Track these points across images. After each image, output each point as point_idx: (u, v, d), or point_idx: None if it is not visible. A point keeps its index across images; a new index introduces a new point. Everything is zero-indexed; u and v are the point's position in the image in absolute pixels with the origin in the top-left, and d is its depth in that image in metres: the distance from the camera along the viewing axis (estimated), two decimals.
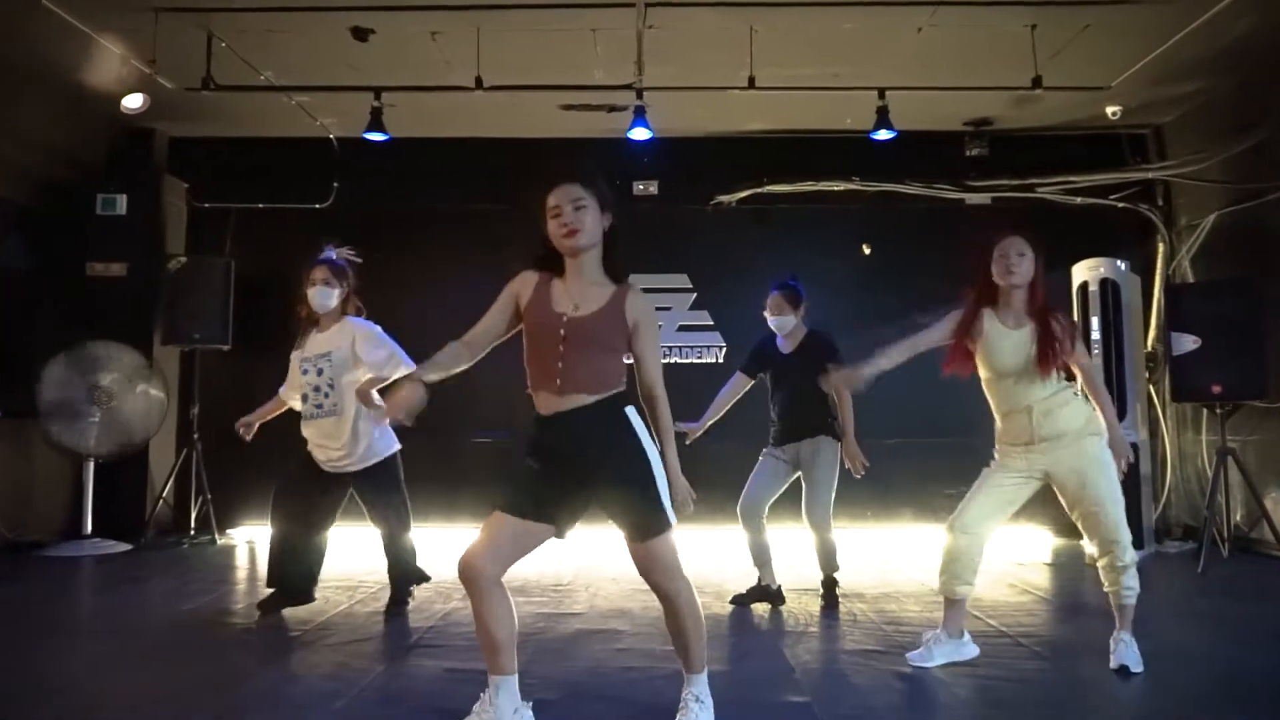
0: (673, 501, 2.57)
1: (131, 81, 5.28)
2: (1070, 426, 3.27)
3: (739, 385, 4.62)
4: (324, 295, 4.13)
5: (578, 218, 2.53)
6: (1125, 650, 3.27)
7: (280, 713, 2.86)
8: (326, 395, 4.11)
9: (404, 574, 4.32)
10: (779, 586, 4.52)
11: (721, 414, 4.59)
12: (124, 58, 5.24)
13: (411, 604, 4.32)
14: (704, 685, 2.64)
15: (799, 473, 4.47)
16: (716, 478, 6.37)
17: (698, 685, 2.63)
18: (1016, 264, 3.29)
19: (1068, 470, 3.27)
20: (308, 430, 4.17)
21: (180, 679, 3.20)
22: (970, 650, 3.43)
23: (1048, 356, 3.25)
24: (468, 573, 2.45)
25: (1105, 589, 3.34)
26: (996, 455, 3.43)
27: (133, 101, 5.27)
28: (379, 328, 4.22)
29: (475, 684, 3.11)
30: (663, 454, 2.60)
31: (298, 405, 4.25)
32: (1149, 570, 5.65)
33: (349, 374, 4.11)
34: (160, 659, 3.50)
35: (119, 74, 5.22)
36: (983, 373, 3.41)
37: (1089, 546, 3.46)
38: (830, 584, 4.47)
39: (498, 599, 2.48)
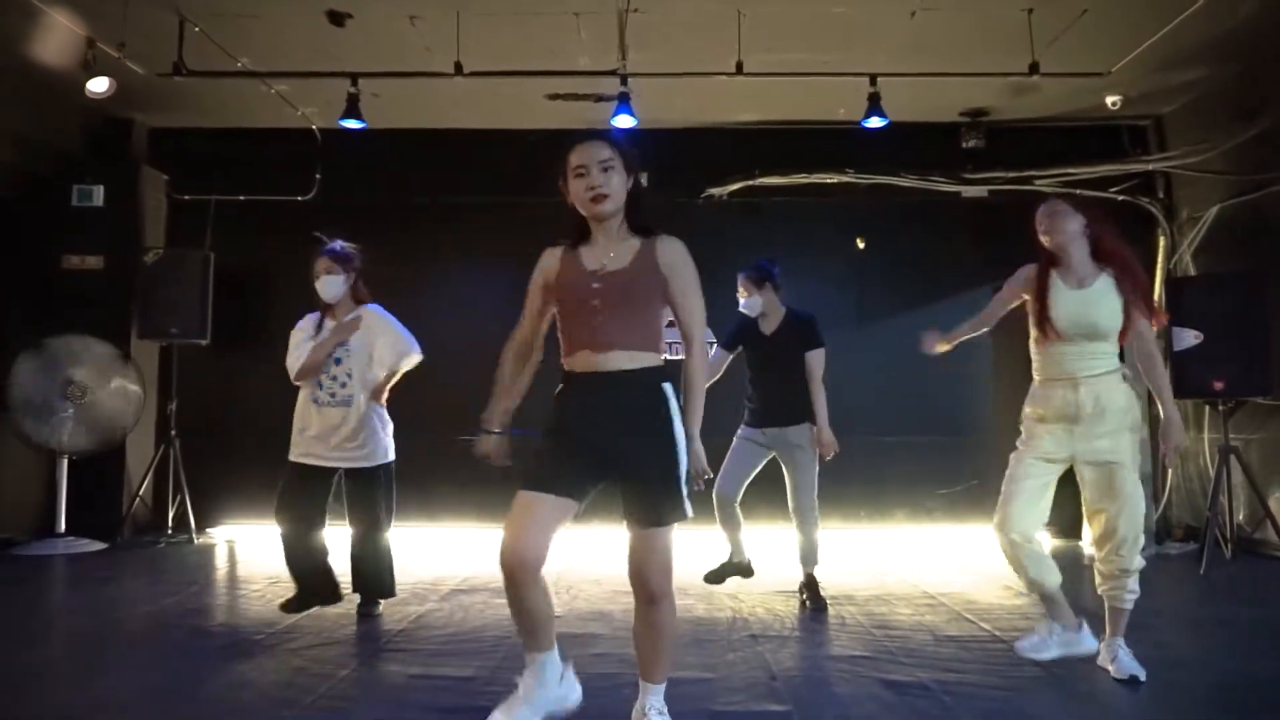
0: (687, 470, 2.44)
1: (98, 66, 5.11)
2: (1114, 410, 3.09)
3: (720, 362, 4.46)
4: (331, 285, 4.03)
5: (605, 179, 2.45)
6: (1126, 658, 3.12)
7: None
8: (343, 385, 3.98)
9: (379, 580, 4.09)
10: (749, 560, 4.51)
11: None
12: (90, 40, 5.08)
13: (380, 610, 4.15)
14: (662, 696, 2.51)
15: (772, 454, 4.39)
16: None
17: (658, 696, 2.49)
18: (1046, 224, 3.23)
19: (1100, 461, 3.10)
20: (310, 420, 3.95)
21: (126, 686, 3.05)
22: (1089, 645, 3.20)
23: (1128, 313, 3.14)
24: (514, 566, 2.32)
25: (1102, 591, 3.20)
26: (1024, 432, 3.24)
27: (98, 85, 5.10)
28: (392, 317, 4.16)
29: (441, 690, 3.00)
30: (686, 406, 2.48)
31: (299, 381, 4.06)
32: (1150, 572, 5.46)
33: (366, 365, 4.04)
34: (110, 665, 3.34)
35: (85, 57, 5.05)
36: (1034, 333, 3.25)
37: (1089, 546, 3.31)
38: (813, 582, 4.35)
39: (540, 587, 2.38)
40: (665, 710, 2.49)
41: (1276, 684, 3.11)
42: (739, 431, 4.46)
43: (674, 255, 2.52)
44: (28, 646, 3.63)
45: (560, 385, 2.55)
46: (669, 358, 7.51)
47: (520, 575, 2.32)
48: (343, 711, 2.81)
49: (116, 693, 2.98)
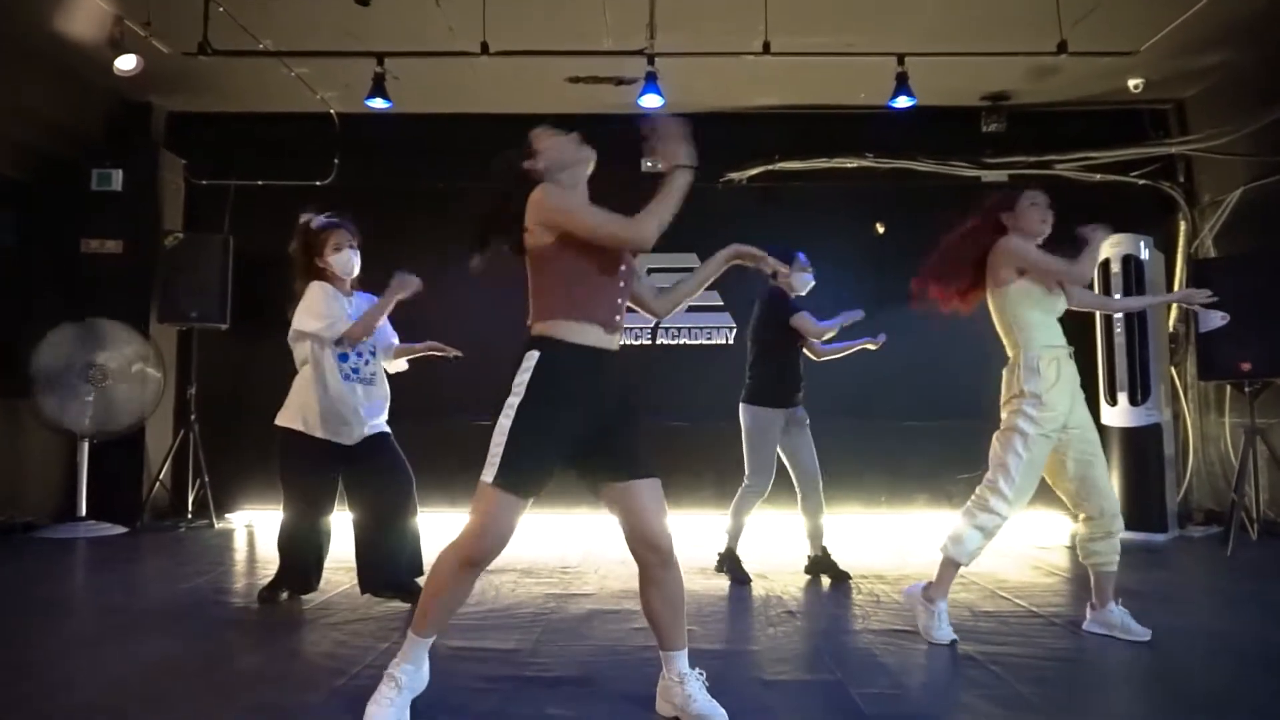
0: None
1: (125, 44, 5.08)
2: None
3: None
4: (357, 258, 3.96)
5: None
6: (1127, 618, 3.28)
7: (280, 693, 2.69)
8: (367, 362, 3.88)
9: (417, 558, 3.89)
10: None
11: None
12: (117, 18, 5.04)
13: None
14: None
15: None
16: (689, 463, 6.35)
17: (686, 658, 2.46)
18: (1050, 216, 3.44)
19: (1085, 426, 3.29)
20: (335, 398, 3.72)
21: (178, 654, 3.05)
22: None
23: None
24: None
25: (1088, 561, 3.38)
26: (1035, 413, 3.21)
27: (125, 63, 5.07)
28: None
29: (486, 660, 3.00)
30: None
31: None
32: (1174, 554, 5.51)
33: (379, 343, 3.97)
34: (152, 636, 3.34)
35: (112, 34, 5.02)
36: (1039, 304, 3.35)
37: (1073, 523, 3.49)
38: (828, 554, 4.57)
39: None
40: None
41: None
42: (793, 413, 4.56)
43: None
44: (69, 619, 3.64)
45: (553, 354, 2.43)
46: (705, 342, 7.34)
47: None
48: None
49: (170, 660, 2.98)
